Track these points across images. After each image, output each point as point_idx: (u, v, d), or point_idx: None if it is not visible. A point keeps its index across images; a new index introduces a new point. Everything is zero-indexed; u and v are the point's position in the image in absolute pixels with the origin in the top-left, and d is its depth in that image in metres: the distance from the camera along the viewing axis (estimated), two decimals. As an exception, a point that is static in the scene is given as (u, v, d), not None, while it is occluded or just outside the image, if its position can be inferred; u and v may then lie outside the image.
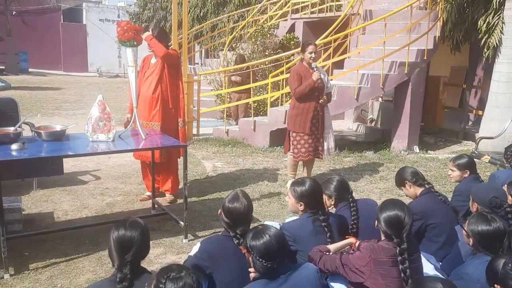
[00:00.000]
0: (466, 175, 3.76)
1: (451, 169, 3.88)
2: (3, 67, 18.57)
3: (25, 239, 3.80)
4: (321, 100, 5.16)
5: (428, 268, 2.74)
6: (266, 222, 3.49)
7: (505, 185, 3.26)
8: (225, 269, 2.46)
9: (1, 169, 3.16)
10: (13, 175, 3.61)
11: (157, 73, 4.59)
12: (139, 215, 4.27)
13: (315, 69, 5.08)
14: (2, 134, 3.65)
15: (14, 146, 3.43)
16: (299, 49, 5.42)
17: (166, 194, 4.94)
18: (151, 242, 3.33)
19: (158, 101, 4.60)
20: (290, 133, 5.34)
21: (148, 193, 4.89)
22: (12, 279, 3.23)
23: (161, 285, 1.82)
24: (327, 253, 2.58)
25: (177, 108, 4.73)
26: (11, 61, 18.98)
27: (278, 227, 2.80)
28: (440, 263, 3.03)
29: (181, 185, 5.09)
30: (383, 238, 2.49)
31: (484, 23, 7.39)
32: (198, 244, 2.64)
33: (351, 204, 3.21)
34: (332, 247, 2.75)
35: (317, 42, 7.51)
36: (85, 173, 5.78)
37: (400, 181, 3.55)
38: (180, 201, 4.83)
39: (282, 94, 7.85)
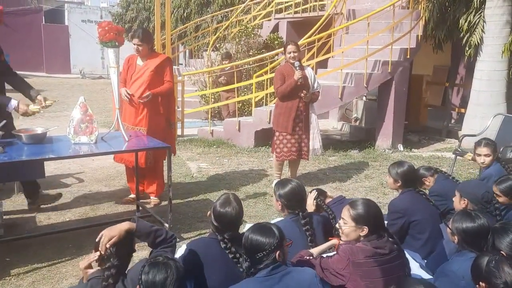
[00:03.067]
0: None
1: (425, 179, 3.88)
2: (-17, 69, 18.23)
3: (7, 244, 3.72)
4: (302, 94, 5.14)
5: (413, 266, 2.75)
6: (247, 225, 3.47)
7: (494, 184, 3.29)
8: (212, 271, 2.42)
9: (-20, 173, 3.08)
10: (-8, 179, 3.53)
11: (147, 79, 4.48)
12: (123, 218, 4.22)
13: (297, 68, 5.08)
14: (-19, 138, 3.56)
15: (-7, 150, 3.35)
16: (283, 49, 5.43)
17: (151, 197, 4.87)
18: (136, 245, 3.30)
19: (145, 106, 4.51)
20: (274, 132, 5.34)
21: (133, 196, 4.82)
22: (-7, 285, 3.17)
23: (141, 268, 1.94)
24: (309, 258, 2.56)
25: (169, 111, 4.68)
26: (-9, 62, 18.64)
27: None
28: (425, 261, 3.05)
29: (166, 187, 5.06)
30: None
31: (465, 22, 7.49)
32: (184, 246, 2.61)
33: (325, 211, 3.21)
34: (315, 251, 2.73)
35: (301, 41, 7.54)
36: (68, 176, 5.69)
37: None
38: (164, 203, 4.79)
39: (266, 94, 7.85)
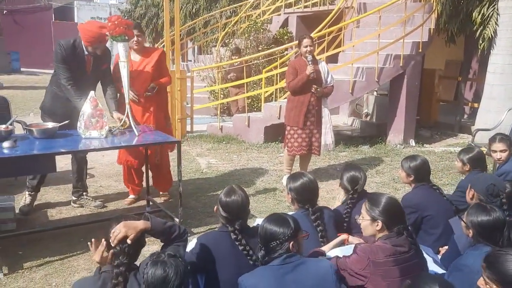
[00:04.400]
0: (466, 169, 3.67)
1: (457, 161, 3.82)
2: (-5, 67, 18.41)
3: (19, 238, 3.75)
4: (314, 88, 5.09)
5: (427, 261, 2.71)
6: (257, 220, 3.46)
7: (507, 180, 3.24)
8: (222, 265, 2.42)
9: (-8, 167, 3.09)
10: (5, 173, 3.55)
11: (150, 74, 4.42)
12: (134, 213, 4.23)
13: (309, 63, 5.03)
14: (-7, 132, 3.58)
15: (5, 144, 3.37)
16: (293, 43, 5.39)
17: (161, 193, 4.85)
18: (146, 239, 3.30)
19: (152, 102, 4.48)
20: (286, 126, 5.31)
21: (132, 196, 4.77)
22: (6, 278, 3.19)
23: (144, 268, 1.94)
24: (323, 257, 2.53)
25: (167, 107, 4.68)
26: (2, 60, 18.81)
27: None
28: (439, 256, 3.01)
29: (174, 183, 5.06)
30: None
31: (479, 14, 7.37)
32: (195, 240, 2.60)
33: (349, 201, 3.18)
34: (326, 248, 2.72)
35: (311, 35, 7.47)
36: (79, 171, 5.70)
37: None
38: (174, 198, 4.79)
39: (276, 90, 7.81)
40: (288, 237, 2.18)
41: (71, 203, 4.57)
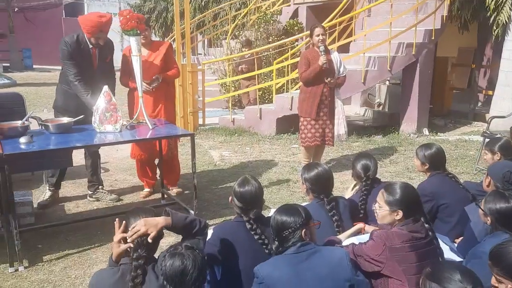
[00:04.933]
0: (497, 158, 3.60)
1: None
2: (8, 65, 18.59)
3: (38, 231, 3.81)
4: (327, 80, 5.06)
5: (443, 249, 2.69)
6: (272, 210, 3.48)
7: None
8: (239, 255, 2.44)
9: (11, 162, 3.14)
10: (22, 168, 3.62)
11: (159, 68, 4.44)
12: (149, 205, 4.27)
13: (322, 53, 5.00)
14: (10, 128, 3.64)
15: (22, 140, 3.42)
16: (303, 34, 5.36)
17: (171, 188, 4.85)
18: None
19: (162, 96, 4.51)
20: (299, 117, 5.30)
21: (147, 190, 4.81)
22: (27, 271, 3.25)
23: (161, 260, 1.93)
24: (339, 245, 2.54)
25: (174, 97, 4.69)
26: (15, 58, 19.01)
27: None
28: (455, 244, 2.99)
29: (185, 177, 5.09)
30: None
31: (492, 0, 7.24)
32: (210, 231, 2.62)
33: (363, 188, 3.19)
34: (342, 237, 2.73)
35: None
36: (94, 166, 5.77)
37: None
38: (187, 191, 4.82)
39: (287, 81, 7.78)
40: (300, 225, 2.20)
41: (88, 197, 4.63)
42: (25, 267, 3.28)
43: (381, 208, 2.46)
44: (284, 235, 2.21)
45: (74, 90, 4.09)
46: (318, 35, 5.01)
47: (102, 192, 4.62)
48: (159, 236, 2.25)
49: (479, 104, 9.39)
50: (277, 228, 2.25)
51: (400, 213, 2.39)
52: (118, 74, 4.62)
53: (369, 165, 3.21)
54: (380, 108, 9.22)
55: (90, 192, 4.62)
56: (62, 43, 4.08)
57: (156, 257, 2.19)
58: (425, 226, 2.40)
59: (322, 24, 7.33)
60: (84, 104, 4.07)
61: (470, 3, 7.82)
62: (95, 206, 4.49)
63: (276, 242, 2.28)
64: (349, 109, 9.77)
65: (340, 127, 5.29)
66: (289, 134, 7.16)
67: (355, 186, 3.40)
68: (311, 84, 5.09)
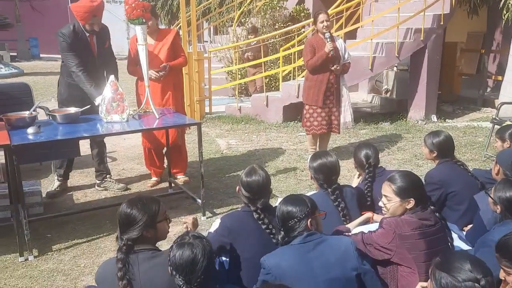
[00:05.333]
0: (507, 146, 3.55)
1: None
2: (15, 54, 18.62)
3: (47, 221, 3.86)
4: (333, 67, 5.02)
5: (452, 235, 2.68)
6: (279, 199, 3.48)
7: None
8: (246, 245, 2.44)
9: (19, 152, 3.16)
10: (30, 158, 3.64)
11: (166, 57, 4.42)
12: (157, 194, 4.29)
13: (328, 40, 4.94)
14: (18, 118, 3.66)
15: (30, 130, 3.43)
16: (310, 20, 5.29)
17: (178, 176, 4.85)
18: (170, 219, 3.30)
19: (170, 85, 4.50)
20: (304, 105, 5.26)
21: (155, 179, 4.83)
22: (37, 260, 3.29)
23: (170, 250, 1.94)
24: (348, 234, 2.54)
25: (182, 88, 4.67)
26: (22, 47, 19.02)
27: None
28: (464, 232, 2.98)
29: (193, 165, 5.10)
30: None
31: (502, -16, 7.11)
32: (218, 221, 2.63)
33: (367, 176, 3.17)
34: (351, 225, 2.72)
35: (329, 11, 7.32)
36: (101, 155, 5.79)
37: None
38: (194, 180, 4.83)
39: (294, 68, 7.73)
40: (305, 215, 2.20)
41: (95, 186, 4.66)
42: (35, 257, 3.32)
43: (390, 201, 2.42)
44: (290, 225, 2.22)
45: (77, 81, 4.09)
46: (322, 22, 4.95)
47: (110, 181, 4.64)
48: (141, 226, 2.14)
49: (488, 89, 9.27)
50: (282, 218, 2.25)
51: (412, 201, 2.37)
52: (122, 62, 4.60)
53: (369, 153, 3.22)
54: (388, 94, 9.13)
55: (98, 181, 4.65)
56: (60, 35, 4.07)
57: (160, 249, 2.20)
58: (434, 214, 2.39)
59: (329, 10, 7.28)
60: (85, 95, 4.08)
61: (480, -13, 7.69)
62: (103, 195, 4.52)
63: (282, 233, 2.28)
64: (356, 96, 9.71)
65: (346, 114, 5.26)
66: (296, 122, 7.13)
67: (359, 175, 3.39)
68: (317, 71, 5.05)
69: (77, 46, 4.06)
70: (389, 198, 2.44)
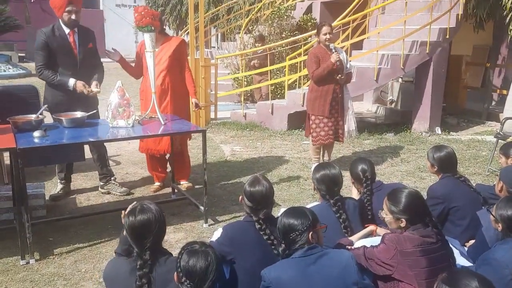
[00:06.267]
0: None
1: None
2: (23, 55, 18.78)
3: (49, 224, 3.87)
4: (338, 76, 5.04)
5: (454, 253, 2.68)
6: (282, 209, 3.48)
7: None
8: (247, 255, 2.45)
9: (24, 156, 3.19)
10: (36, 161, 3.66)
11: (166, 65, 4.42)
12: (159, 200, 4.31)
13: (333, 50, 4.97)
14: (24, 122, 3.69)
15: (36, 133, 3.46)
16: (316, 30, 5.33)
17: (181, 182, 4.86)
18: (172, 227, 3.35)
19: (168, 92, 4.49)
20: (309, 116, 5.28)
21: (158, 183, 4.83)
22: (38, 264, 3.30)
23: (179, 256, 1.94)
24: (351, 247, 2.55)
25: (186, 93, 4.63)
26: (30, 48, 19.14)
27: None
28: (466, 248, 2.97)
29: (196, 171, 5.11)
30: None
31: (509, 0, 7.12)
32: (220, 230, 2.64)
33: (365, 190, 3.18)
34: (354, 238, 2.73)
35: (335, 23, 7.38)
36: (106, 159, 5.82)
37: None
38: (198, 186, 4.84)
39: (299, 77, 7.76)
40: (307, 227, 2.20)
41: (99, 188, 4.68)
42: (36, 260, 3.33)
43: (387, 216, 2.49)
44: (291, 237, 2.22)
45: (44, 80, 4.14)
46: (325, 34, 5.00)
47: (114, 183, 4.66)
48: (159, 232, 2.22)
49: (493, 103, 9.26)
50: (284, 231, 2.25)
51: (404, 221, 2.41)
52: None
53: (365, 167, 3.24)
54: (393, 105, 9.15)
55: (101, 183, 4.67)
56: (38, 33, 4.12)
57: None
58: (434, 230, 2.39)
59: (336, 21, 7.32)
60: (74, 96, 4.10)
61: (486, 2, 7.69)
62: (106, 199, 4.54)
63: (283, 245, 2.29)
64: (361, 106, 9.73)
65: (350, 123, 5.28)
66: (301, 130, 7.14)
67: (358, 191, 3.39)
68: (323, 82, 5.07)
69: (54, 43, 4.08)
70: (386, 213, 2.50)
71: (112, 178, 4.69)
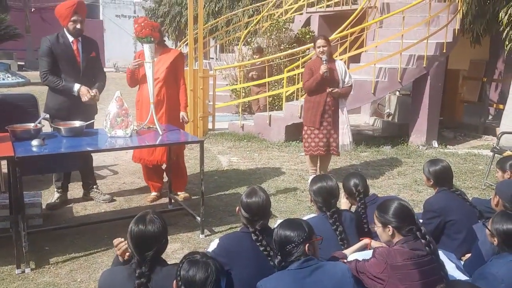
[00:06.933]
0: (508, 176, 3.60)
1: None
2: (23, 63, 18.85)
3: (45, 233, 3.86)
4: (330, 89, 5.08)
5: (449, 267, 2.68)
6: (278, 220, 3.48)
7: None
8: (243, 266, 2.45)
9: (22, 165, 3.19)
10: (34, 170, 3.65)
11: (163, 77, 4.44)
12: (156, 210, 4.30)
13: (324, 62, 5.03)
14: (23, 130, 3.69)
15: (34, 142, 3.46)
16: (313, 44, 5.41)
17: (178, 193, 4.86)
18: (168, 237, 3.32)
19: (164, 103, 4.51)
20: (303, 126, 5.34)
21: (154, 193, 4.83)
22: (33, 273, 3.28)
23: (180, 264, 1.95)
24: (344, 261, 2.55)
25: (179, 105, 4.65)
26: (30, 57, 19.28)
27: None
28: (462, 262, 2.98)
29: (193, 181, 5.12)
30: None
31: (505, 15, 7.19)
32: (216, 240, 2.64)
33: (359, 203, 3.19)
34: (348, 252, 2.73)
35: (333, 36, 7.45)
36: (103, 168, 5.83)
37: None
38: (195, 196, 4.85)
39: (297, 89, 7.81)
40: (303, 239, 2.21)
41: (82, 195, 4.72)
42: (32, 269, 3.31)
43: (377, 226, 2.52)
44: (287, 249, 2.22)
45: (48, 85, 4.20)
46: (319, 47, 5.07)
47: (96, 191, 4.70)
48: (164, 244, 2.25)
49: (490, 117, 9.33)
50: (280, 243, 2.26)
51: (391, 229, 2.44)
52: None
53: (356, 181, 3.26)
54: (390, 118, 9.19)
55: (84, 191, 4.72)
56: (42, 40, 4.19)
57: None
58: (430, 243, 2.40)
59: (334, 34, 7.39)
60: (75, 102, 4.15)
61: (482, 18, 7.78)
62: (103, 209, 4.53)
63: (279, 257, 2.29)
64: (358, 119, 9.77)
65: (344, 137, 5.27)
66: (298, 141, 7.17)
67: (350, 207, 3.39)
68: (314, 93, 5.15)
69: (59, 52, 4.15)
70: (376, 223, 2.53)
71: (94, 187, 4.72)
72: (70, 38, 4.22)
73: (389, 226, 2.44)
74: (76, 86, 4.16)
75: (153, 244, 2.14)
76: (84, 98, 4.17)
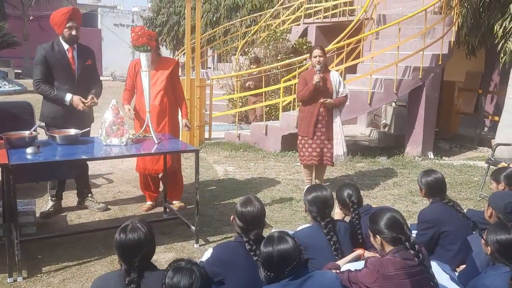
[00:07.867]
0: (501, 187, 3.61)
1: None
2: (20, 71, 18.86)
3: (39, 242, 3.83)
4: (322, 100, 5.09)
5: (443, 278, 2.68)
6: (273, 230, 3.47)
7: None
8: (237, 276, 2.44)
9: (16, 172, 3.18)
10: (28, 178, 3.64)
11: (163, 87, 4.46)
12: (151, 219, 4.28)
13: (318, 72, 5.05)
14: (17, 138, 3.68)
15: (29, 150, 3.44)
16: (309, 54, 5.47)
17: (174, 202, 4.84)
18: (162, 246, 3.33)
19: (166, 112, 4.53)
20: (298, 135, 5.38)
21: (150, 203, 4.82)
22: (25, 282, 3.25)
23: (165, 272, 1.98)
24: (337, 271, 2.55)
25: (178, 113, 4.69)
26: (27, 65, 19.29)
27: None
28: (456, 273, 2.97)
29: (189, 190, 5.10)
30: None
31: (500, 28, 7.28)
32: (210, 250, 2.63)
33: (353, 214, 3.19)
34: (341, 262, 2.73)
35: (330, 47, 7.50)
36: (98, 177, 5.81)
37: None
38: (190, 206, 4.83)
39: (294, 99, 7.83)
40: (297, 256, 2.23)
41: (77, 204, 4.69)
42: (24, 278, 3.28)
43: (370, 235, 2.55)
44: (286, 271, 2.22)
45: (40, 94, 4.20)
46: (315, 56, 5.09)
47: (91, 200, 4.69)
48: (150, 252, 2.24)
49: (485, 129, 9.38)
50: (276, 263, 2.24)
51: (379, 238, 2.46)
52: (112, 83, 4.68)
53: (350, 192, 3.27)
54: (386, 129, 9.22)
55: (79, 200, 4.70)
56: (38, 48, 4.20)
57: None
58: (419, 253, 2.39)
59: (330, 45, 7.44)
60: (70, 111, 4.15)
61: (478, 30, 7.87)
62: (97, 217, 4.51)
63: (267, 273, 2.26)
64: (354, 129, 9.80)
65: (338, 148, 5.24)
66: (294, 151, 7.17)
67: (344, 217, 3.39)
68: (307, 103, 5.18)
69: (53, 60, 4.15)
70: (368, 233, 2.56)
71: (89, 195, 4.70)
72: (65, 46, 4.22)
73: (377, 236, 2.46)
74: (68, 96, 4.14)
75: (137, 251, 2.14)
76: (79, 108, 4.16)
